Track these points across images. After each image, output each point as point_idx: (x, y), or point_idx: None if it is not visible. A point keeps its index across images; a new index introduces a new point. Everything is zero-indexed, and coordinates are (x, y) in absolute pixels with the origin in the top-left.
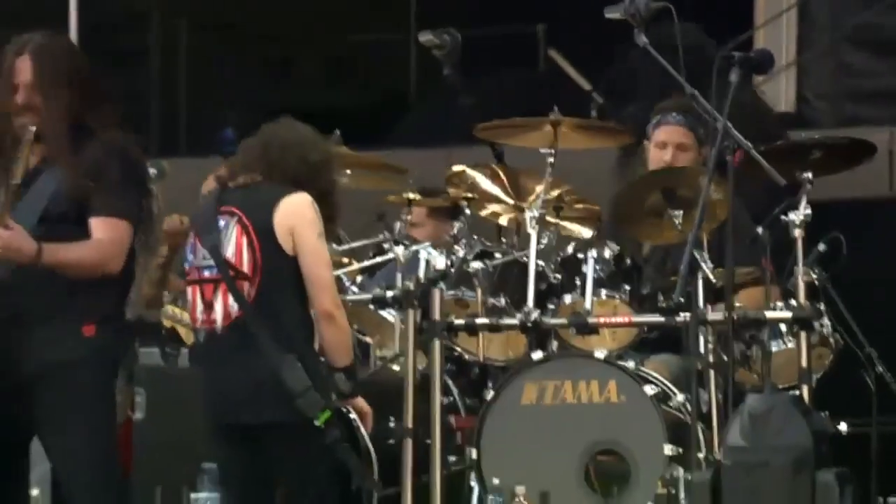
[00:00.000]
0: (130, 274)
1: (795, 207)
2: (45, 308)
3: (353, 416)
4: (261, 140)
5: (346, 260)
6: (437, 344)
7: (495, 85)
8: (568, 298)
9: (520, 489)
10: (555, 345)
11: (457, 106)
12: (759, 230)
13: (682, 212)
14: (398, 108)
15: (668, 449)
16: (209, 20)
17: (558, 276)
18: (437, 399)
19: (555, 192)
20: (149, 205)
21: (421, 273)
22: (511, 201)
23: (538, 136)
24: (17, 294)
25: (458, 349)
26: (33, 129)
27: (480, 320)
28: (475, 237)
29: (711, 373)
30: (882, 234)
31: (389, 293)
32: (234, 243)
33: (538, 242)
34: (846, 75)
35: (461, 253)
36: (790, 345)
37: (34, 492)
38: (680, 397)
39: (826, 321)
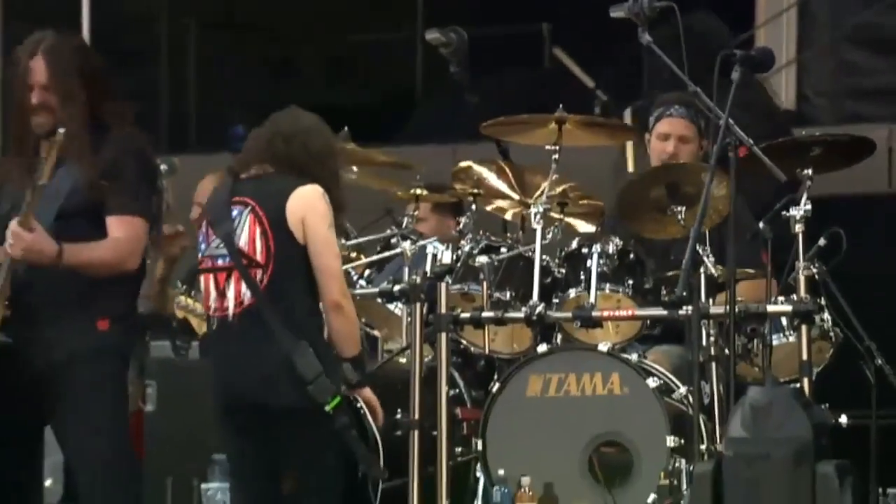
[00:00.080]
0: (143, 270)
1: (796, 203)
2: (62, 304)
3: (360, 405)
4: (268, 130)
5: (353, 254)
6: (443, 337)
7: (500, 83)
8: (572, 292)
9: (525, 480)
10: (559, 338)
11: (463, 103)
12: (760, 225)
13: (684, 207)
14: (405, 106)
15: (671, 440)
16: (218, 20)
17: (563, 270)
18: (444, 391)
19: (559, 188)
20: (159, 201)
21: (427, 267)
22: (516, 197)
23: (543, 133)
24: (34, 290)
25: (464, 342)
26: (62, 130)
27: (486, 314)
28: (481, 232)
29: (713, 365)
30: (881, 229)
31: (397, 287)
32: (248, 232)
33: (543, 237)
34: (846, 73)
35: (467, 248)
36: (791, 338)
37: (47, 482)
38: (682, 390)
39: (826, 315)
